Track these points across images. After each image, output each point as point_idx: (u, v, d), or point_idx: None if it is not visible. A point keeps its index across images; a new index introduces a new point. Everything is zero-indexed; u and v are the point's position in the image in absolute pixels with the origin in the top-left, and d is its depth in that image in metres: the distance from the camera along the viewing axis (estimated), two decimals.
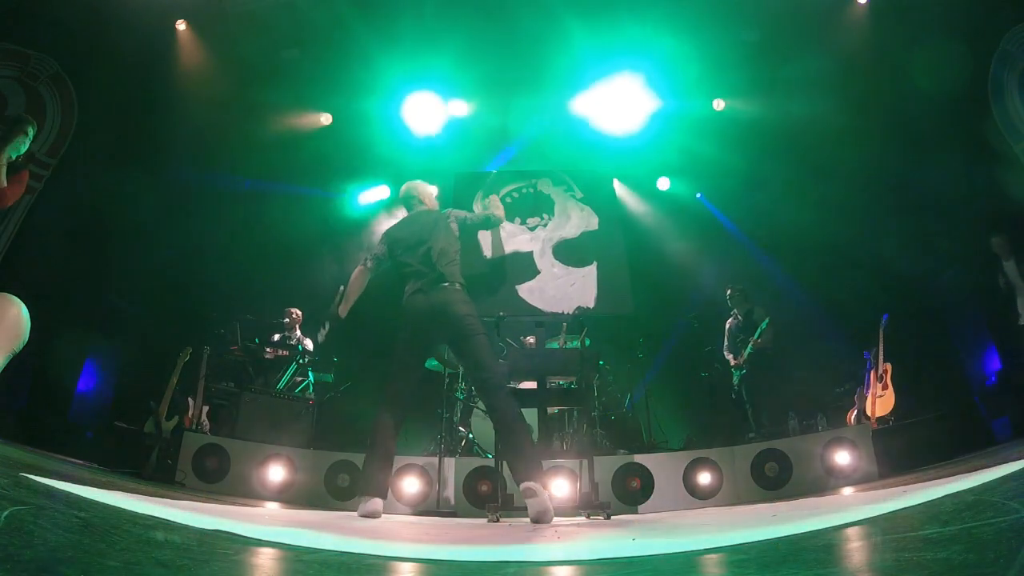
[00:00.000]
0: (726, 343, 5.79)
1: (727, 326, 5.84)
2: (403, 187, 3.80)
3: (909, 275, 5.46)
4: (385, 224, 7.57)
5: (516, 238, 5.97)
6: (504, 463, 3.71)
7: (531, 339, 5.59)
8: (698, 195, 7.47)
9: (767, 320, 5.37)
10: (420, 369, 3.34)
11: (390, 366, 3.26)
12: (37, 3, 5.48)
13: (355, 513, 3.08)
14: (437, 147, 7.04)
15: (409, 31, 6.03)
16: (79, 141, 5.94)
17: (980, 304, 5.32)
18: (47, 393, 5.03)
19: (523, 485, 2.77)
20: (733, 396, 5.72)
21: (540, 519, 2.67)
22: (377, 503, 2.97)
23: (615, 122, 6.92)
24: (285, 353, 5.73)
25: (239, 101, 6.37)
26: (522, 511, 3.26)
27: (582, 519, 3.20)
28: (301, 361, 5.72)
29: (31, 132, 2.84)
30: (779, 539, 1.37)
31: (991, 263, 4.91)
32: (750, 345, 5.41)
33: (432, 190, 3.86)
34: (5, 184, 2.70)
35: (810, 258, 6.18)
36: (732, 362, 5.59)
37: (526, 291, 5.33)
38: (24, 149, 2.81)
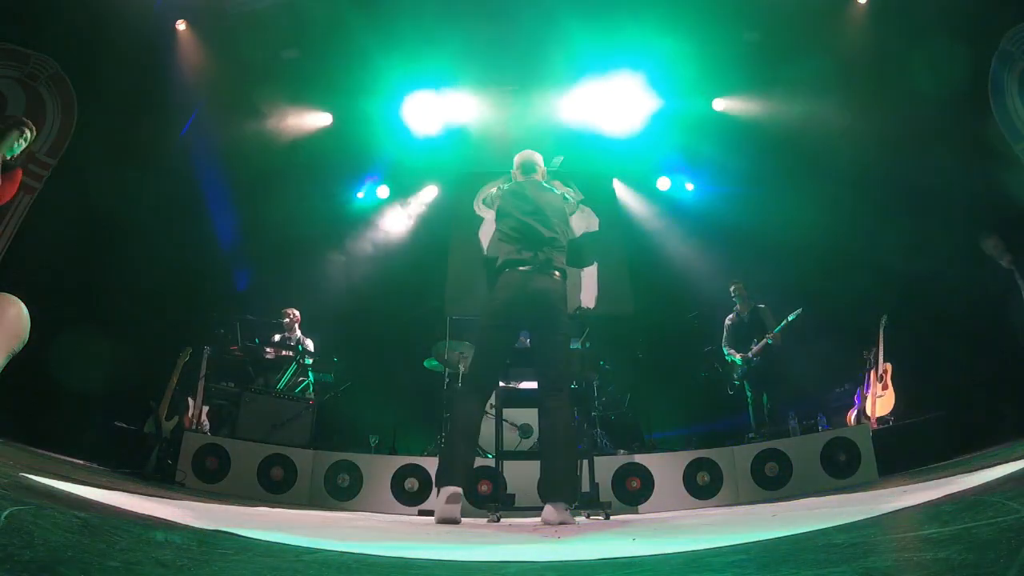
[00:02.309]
0: (726, 339, 5.80)
1: (727, 322, 5.84)
2: (523, 155, 3.49)
3: (909, 275, 5.46)
4: (386, 223, 7.65)
5: None
6: (503, 463, 3.73)
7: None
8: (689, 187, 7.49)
9: (799, 310, 5.33)
10: (508, 349, 3.10)
11: (478, 342, 3.06)
12: (37, 3, 5.47)
13: (354, 513, 3.04)
14: (437, 147, 7.05)
15: (409, 31, 6.03)
16: (79, 141, 5.94)
17: (980, 304, 5.32)
18: (47, 393, 5.03)
19: (545, 511, 2.60)
20: (731, 392, 5.72)
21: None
22: (458, 493, 2.64)
23: (615, 122, 6.92)
24: (287, 353, 5.73)
25: (239, 101, 6.37)
26: (522, 511, 3.26)
27: (582, 519, 3.21)
28: (301, 361, 5.73)
29: (28, 135, 2.78)
30: (779, 539, 1.37)
31: (991, 262, 4.91)
32: (769, 338, 5.40)
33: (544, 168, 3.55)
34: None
35: (810, 258, 6.18)
36: (739, 356, 5.59)
37: None
38: (18, 149, 2.77)
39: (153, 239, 6.02)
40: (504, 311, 2.97)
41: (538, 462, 2.88)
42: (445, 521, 2.58)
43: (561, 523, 2.53)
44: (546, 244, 3.07)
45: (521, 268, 2.99)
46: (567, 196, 3.41)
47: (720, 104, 6.80)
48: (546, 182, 3.44)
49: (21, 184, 2.79)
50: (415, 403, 6.23)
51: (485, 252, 3.75)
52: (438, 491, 2.70)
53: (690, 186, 7.53)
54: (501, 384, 3.67)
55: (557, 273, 3.05)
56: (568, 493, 2.68)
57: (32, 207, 5.56)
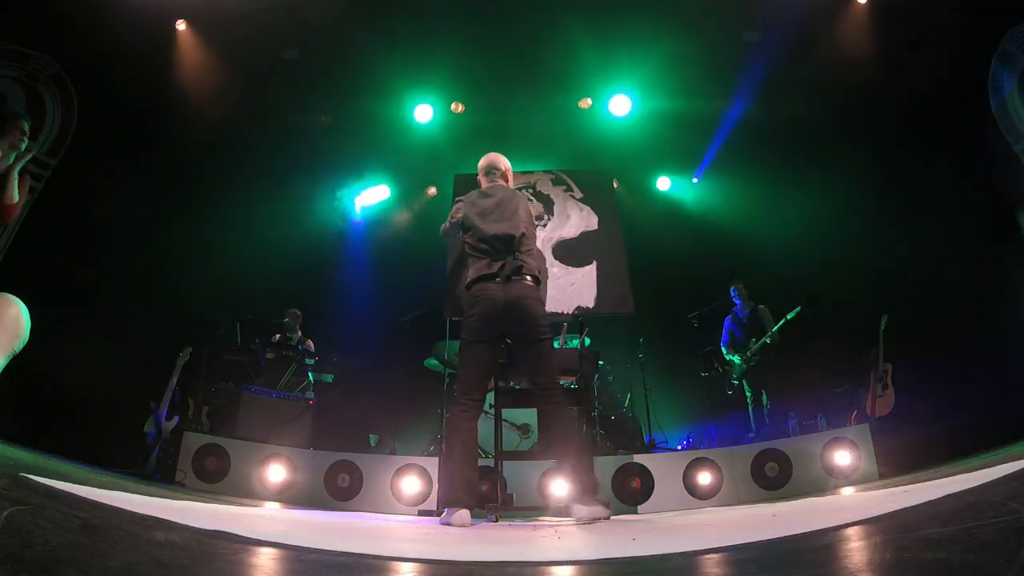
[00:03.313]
0: (725, 339, 5.81)
1: (726, 322, 5.86)
2: (485, 158, 3.52)
3: (909, 275, 5.47)
4: (386, 223, 7.65)
5: None
6: (503, 463, 3.73)
7: None
8: (695, 179, 7.48)
9: (797, 309, 5.37)
10: (495, 360, 3.07)
11: (463, 359, 3.01)
12: (37, 3, 5.48)
13: (354, 513, 3.04)
14: (436, 147, 7.05)
15: (408, 31, 6.04)
16: (79, 141, 5.94)
17: (980, 303, 5.32)
18: (47, 394, 5.03)
19: (575, 506, 2.65)
20: (729, 392, 5.73)
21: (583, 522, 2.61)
22: (466, 515, 2.65)
23: (615, 122, 6.92)
24: (287, 353, 5.73)
25: (239, 101, 6.37)
26: (522, 511, 3.26)
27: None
28: (302, 361, 5.72)
29: (26, 127, 2.71)
30: (779, 539, 1.37)
31: (991, 262, 4.91)
32: (768, 337, 5.43)
33: (509, 168, 3.55)
34: (16, 199, 2.64)
35: (810, 258, 6.19)
36: (737, 355, 5.61)
37: None
38: (24, 146, 2.71)
39: (153, 239, 6.02)
40: (483, 326, 2.95)
41: (537, 462, 2.90)
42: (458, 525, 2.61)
43: (593, 519, 2.58)
44: (514, 250, 3.05)
45: (491, 282, 2.98)
46: (531, 197, 3.41)
47: (720, 104, 6.80)
48: (513, 185, 3.46)
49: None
50: (415, 403, 6.23)
51: (449, 266, 3.84)
52: (444, 510, 2.71)
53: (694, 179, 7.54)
54: (500, 384, 3.67)
55: (529, 278, 3.03)
56: (590, 487, 2.73)
57: (32, 207, 5.56)
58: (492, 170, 3.45)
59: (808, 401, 5.58)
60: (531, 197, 3.45)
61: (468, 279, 3.09)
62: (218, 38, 6.08)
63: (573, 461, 2.78)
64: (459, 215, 3.27)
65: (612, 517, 3.20)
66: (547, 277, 3.81)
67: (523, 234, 3.12)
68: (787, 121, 6.32)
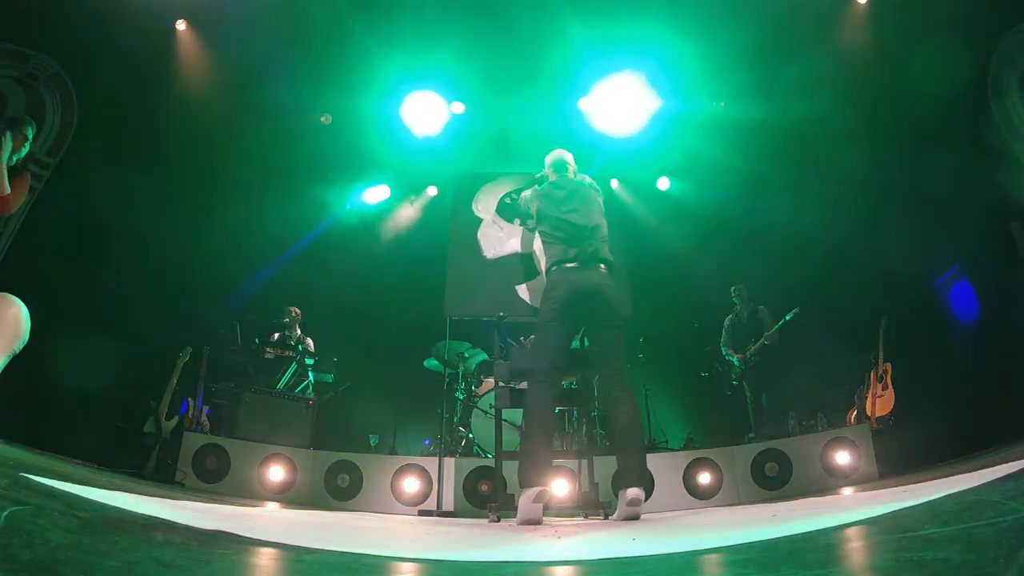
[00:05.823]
0: (725, 339, 5.82)
1: (726, 322, 5.87)
2: (553, 154, 3.69)
3: (909, 275, 5.46)
4: (385, 223, 7.65)
5: (516, 238, 6.01)
6: (503, 462, 3.72)
7: (532, 339, 5.58)
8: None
9: (796, 310, 5.39)
10: (569, 341, 3.18)
11: (539, 338, 3.15)
12: (37, 3, 5.47)
13: (354, 513, 3.05)
14: (437, 147, 7.04)
15: (409, 30, 6.02)
16: (79, 141, 5.94)
17: (980, 303, 5.32)
18: (47, 393, 5.03)
19: (630, 492, 2.66)
20: (729, 392, 5.74)
21: (626, 518, 2.66)
22: (546, 491, 2.75)
23: (615, 122, 6.91)
24: (288, 354, 5.73)
25: (239, 101, 6.37)
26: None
27: (582, 519, 3.21)
28: (302, 361, 5.72)
29: (30, 134, 2.80)
30: (779, 539, 1.37)
31: (991, 262, 4.91)
32: (766, 338, 5.44)
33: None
34: (8, 191, 2.68)
35: (810, 258, 6.19)
36: (736, 356, 5.62)
37: (526, 291, 5.37)
38: (25, 152, 2.78)
39: (153, 239, 6.02)
40: (561, 308, 3.07)
41: None
42: (528, 521, 2.64)
43: (632, 517, 2.64)
44: (589, 237, 3.18)
45: (568, 266, 3.11)
46: (597, 187, 3.54)
47: (720, 104, 6.78)
48: (577, 177, 3.58)
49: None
50: (415, 403, 6.23)
51: (524, 252, 4.20)
52: (522, 492, 2.75)
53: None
54: (501, 384, 3.67)
55: (603, 266, 3.16)
56: (645, 477, 2.86)
57: (32, 207, 5.56)
58: (563, 165, 3.63)
59: (808, 401, 5.58)
60: (598, 188, 3.62)
61: (547, 265, 3.26)
62: (218, 38, 6.08)
63: (635, 449, 2.84)
64: (536, 204, 3.44)
65: (611, 517, 3.21)
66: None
67: (598, 224, 3.28)
68: (787, 121, 6.31)
